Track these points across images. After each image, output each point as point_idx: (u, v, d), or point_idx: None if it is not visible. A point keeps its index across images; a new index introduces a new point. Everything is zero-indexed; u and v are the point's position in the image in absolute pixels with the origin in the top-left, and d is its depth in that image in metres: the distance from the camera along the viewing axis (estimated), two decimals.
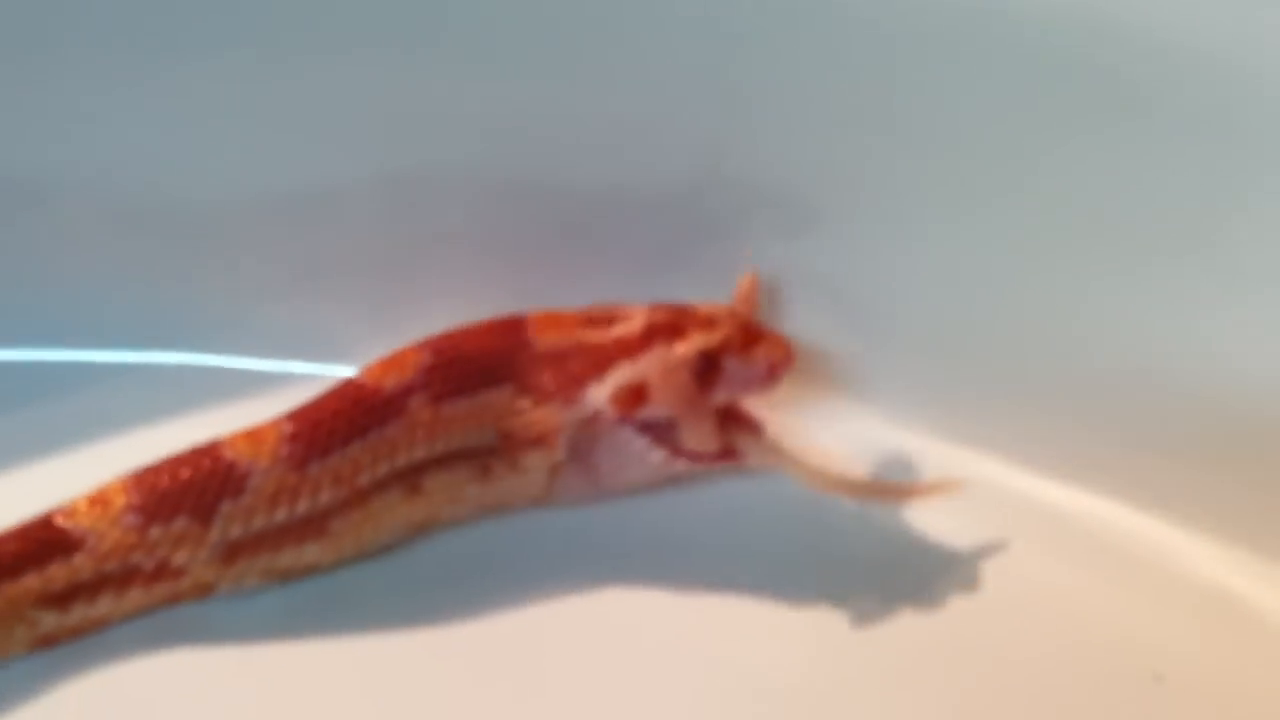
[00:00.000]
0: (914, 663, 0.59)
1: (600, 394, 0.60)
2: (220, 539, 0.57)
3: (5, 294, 0.68)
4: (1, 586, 0.55)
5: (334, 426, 0.58)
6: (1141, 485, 0.65)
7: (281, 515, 0.58)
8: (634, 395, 0.59)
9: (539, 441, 0.60)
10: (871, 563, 0.63)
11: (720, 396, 0.60)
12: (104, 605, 0.57)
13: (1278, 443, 0.62)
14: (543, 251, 0.70)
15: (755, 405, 0.63)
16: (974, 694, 0.59)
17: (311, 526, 0.59)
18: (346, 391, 0.60)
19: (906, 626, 0.61)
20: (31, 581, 0.55)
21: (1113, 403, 0.65)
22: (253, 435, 0.58)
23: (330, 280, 0.70)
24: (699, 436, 0.60)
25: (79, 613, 0.57)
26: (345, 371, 0.68)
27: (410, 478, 0.60)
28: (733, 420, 0.61)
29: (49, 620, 0.56)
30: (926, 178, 0.65)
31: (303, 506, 0.58)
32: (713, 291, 0.67)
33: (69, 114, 0.66)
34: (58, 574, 0.56)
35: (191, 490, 0.57)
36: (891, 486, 0.63)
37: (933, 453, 0.67)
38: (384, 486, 0.60)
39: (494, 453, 0.61)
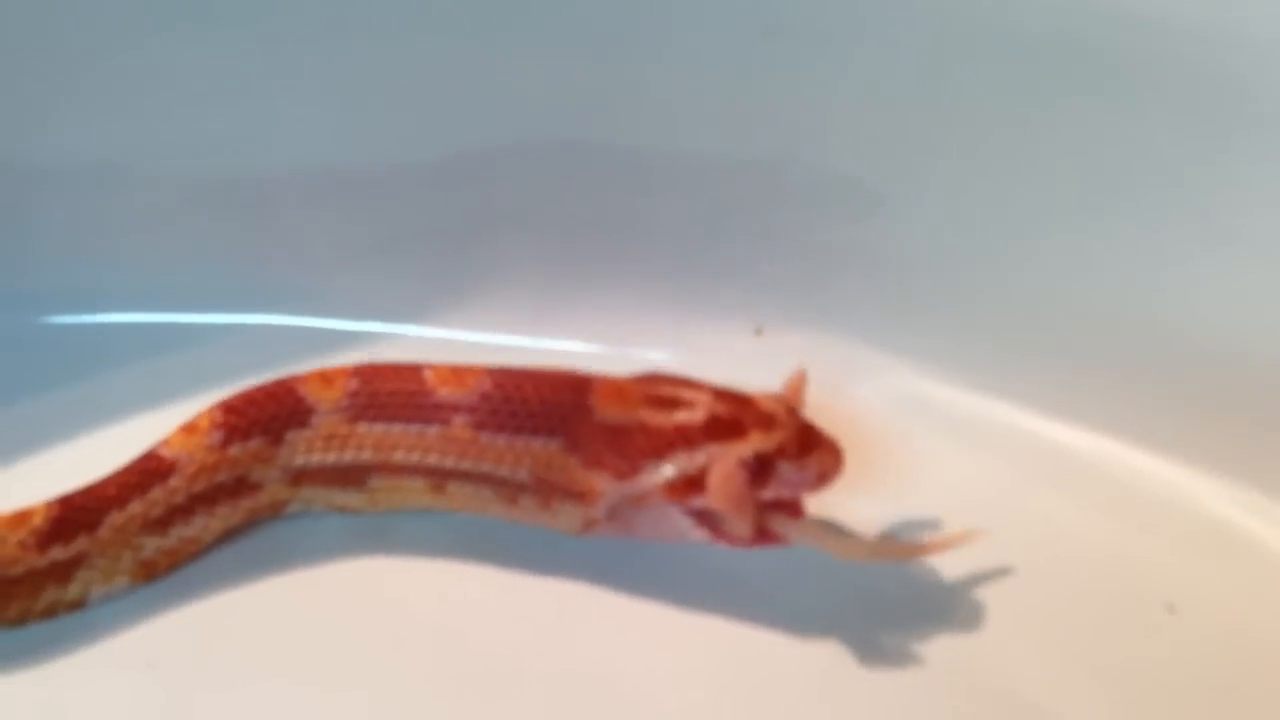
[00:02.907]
0: (941, 597, 0.62)
1: (655, 477, 0.59)
2: (288, 462, 0.63)
3: (114, 266, 0.73)
4: (112, 515, 0.60)
5: (386, 401, 0.62)
6: (1154, 430, 0.68)
7: (333, 457, 0.63)
8: (689, 484, 0.59)
9: (579, 497, 0.61)
10: (898, 505, 0.66)
11: (768, 495, 0.59)
12: (196, 525, 0.62)
13: (1277, 389, 0.66)
14: (615, 222, 0.73)
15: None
16: (1001, 622, 0.62)
17: (354, 476, 0.63)
18: (409, 376, 0.63)
19: (932, 562, 0.63)
20: (136, 508, 0.60)
21: (1126, 355, 0.69)
22: (326, 378, 0.63)
23: (401, 248, 0.74)
24: (740, 526, 0.59)
25: (176, 534, 0.62)
26: (414, 330, 0.73)
27: (437, 478, 0.63)
28: (774, 506, 0.60)
29: (150, 545, 0.61)
30: (960, 164, 0.69)
31: (349, 456, 0.63)
32: (782, 262, 0.72)
33: (157, 101, 0.71)
34: (158, 498, 0.61)
35: (265, 415, 0.62)
36: (916, 546, 0.62)
37: (960, 401, 0.70)
38: (413, 472, 0.63)
39: (525, 489, 0.62)
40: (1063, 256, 0.69)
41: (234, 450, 0.62)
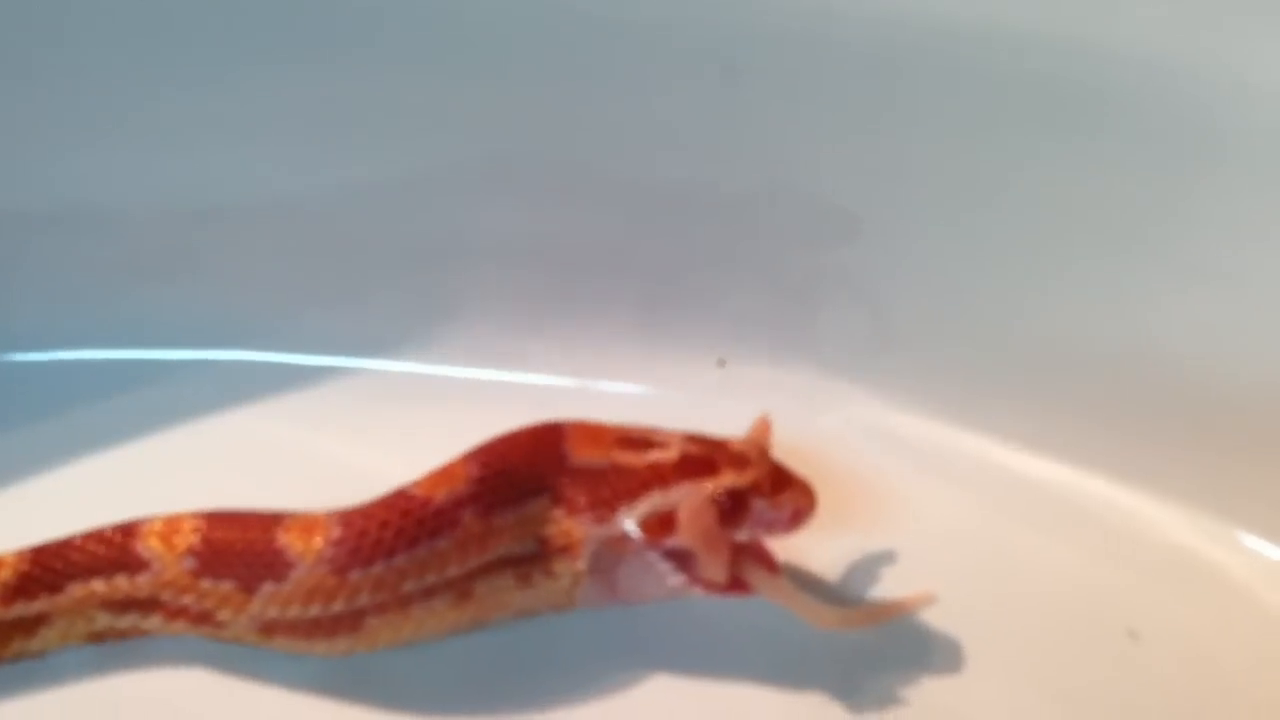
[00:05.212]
0: (908, 626, 0.63)
1: (630, 518, 0.59)
2: (259, 613, 0.59)
3: (84, 303, 0.73)
4: (73, 586, 0.59)
5: (380, 538, 0.58)
6: (1118, 460, 0.69)
7: (316, 610, 0.58)
8: (662, 523, 0.59)
9: (565, 551, 0.60)
10: (864, 540, 0.67)
11: (742, 535, 0.59)
12: (153, 622, 0.61)
13: (1238, 420, 0.66)
14: (581, 255, 0.73)
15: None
16: (967, 650, 0.62)
17: (345, 623, 0.59)
18: (396, 503, 0.59)
19: (903, 591, 0.64)
20: (98, 586, 0.59)
21: (1091, 387, 0.69)
22: (306, 527, 0.59)
23: (368, 282, 0.74)
24: (714, 569, 0.59)
25: (129, 620, 0.60)
26: (381, 365, 0.73)
27: (460, 584, 0.59)
28: (750, 554, 0.60)
29: (103, 619, 0.60)
30: (928, 198, 0.69)
31: (339, 606, 0.58)
32: (748, 294, 0.72)
33: (126, 139, 0.71)
34: (121, 585, 0.59)
35: (243, 559, 0.58)
36: (881, 610, 0.63)
37: (925, 433, 0.71)
38: (431, 593, 0.59)
39: (533, 560, 0.60)
40: (1029, 290, 0.70)
41: (205, 584, 0.59)
